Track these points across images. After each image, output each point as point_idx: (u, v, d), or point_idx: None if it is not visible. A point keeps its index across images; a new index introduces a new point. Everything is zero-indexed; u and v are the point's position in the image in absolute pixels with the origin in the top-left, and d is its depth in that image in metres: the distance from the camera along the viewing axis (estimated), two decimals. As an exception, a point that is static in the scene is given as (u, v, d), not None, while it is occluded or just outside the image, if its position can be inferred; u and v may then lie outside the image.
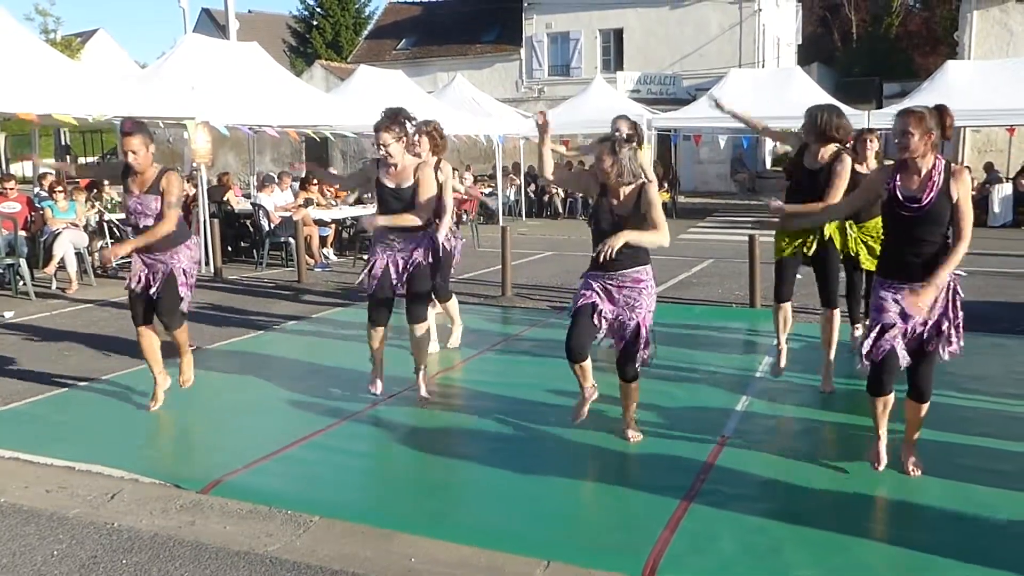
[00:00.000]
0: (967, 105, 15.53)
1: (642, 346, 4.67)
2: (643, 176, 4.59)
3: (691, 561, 3.52)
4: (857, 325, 7.05)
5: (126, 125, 5.42)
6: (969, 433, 4.81)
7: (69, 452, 4.80)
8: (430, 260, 5.50)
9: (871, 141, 6.67)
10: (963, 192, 3.97)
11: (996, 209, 17.05)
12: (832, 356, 5.76)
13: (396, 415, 5.47)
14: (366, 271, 5.55)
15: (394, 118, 5.33)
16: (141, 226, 5.36)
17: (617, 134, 4.87)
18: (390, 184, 5.39)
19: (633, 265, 4.58)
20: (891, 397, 4.25)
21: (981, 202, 16.36)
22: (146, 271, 5.44)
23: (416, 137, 6.47)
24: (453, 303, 7.18)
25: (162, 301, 5.44)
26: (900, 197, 4.02)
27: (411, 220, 5.35)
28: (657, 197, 4.57)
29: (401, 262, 5.45)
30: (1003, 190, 17.20)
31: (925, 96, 16.78)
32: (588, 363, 4.78)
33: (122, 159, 5.46)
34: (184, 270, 5.47)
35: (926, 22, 40.54)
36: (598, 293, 4.64)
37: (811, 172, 5.42)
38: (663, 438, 4.94)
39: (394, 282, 5.46)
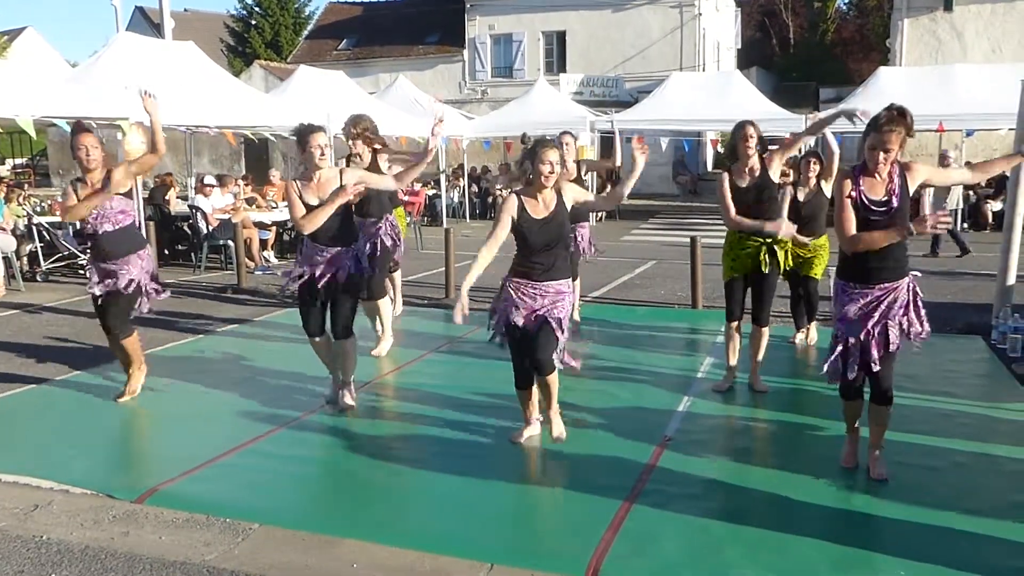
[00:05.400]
0: (899, 110, 15.94)
1: (559, 347, 4.64)
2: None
3: (633, 562, 3.54)
4: (802, 330, 7.18)
5: (80, 125, 5.46)
6: (902, 430, 4.91)
7: (-5, 463, 4.63)
8: (356, 271, 5.33)
9: (814, 164, 6.68)
10: (925, 172, 4.21)
11: (927, 211, 17.44)
12: (760, 358, 5.86)
13: (337, 420, 5.40)
14: (288, 277, 5.42)
15: (320, 127, 5.21)
16: (101, 232, 5.39)
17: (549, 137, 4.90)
18: (313, 201, 5.13)
19: (560, 277, 4.63)
20: (862, 401, 4.40)
21: (913, 204, 16.81)
22: (98, 279, 5.44)
23: (351, 142, 6.41)
24: (385, 304, 6.94)
25: (109, 309, 5.53)
26: (868, 203, 4.05)
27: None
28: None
29: (328, 276, 5.24)
30: (933, 193, 17.68)
31: (859, 101, 17.21)
32: (535, 391, 4.84)
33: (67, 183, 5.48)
34: (133, 279, 5.47)
35: (860, 29, 41.62)
36: (515, 306, 4.61)
37: (746, 189, 5.50)
38: (605, 439, 4.96)
39: (320, 295, 5.28)
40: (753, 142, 5.45)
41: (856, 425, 4.51)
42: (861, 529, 3.85)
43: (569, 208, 4.71)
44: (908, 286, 4.18)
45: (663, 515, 3.96)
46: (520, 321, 4.58)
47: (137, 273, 5.49)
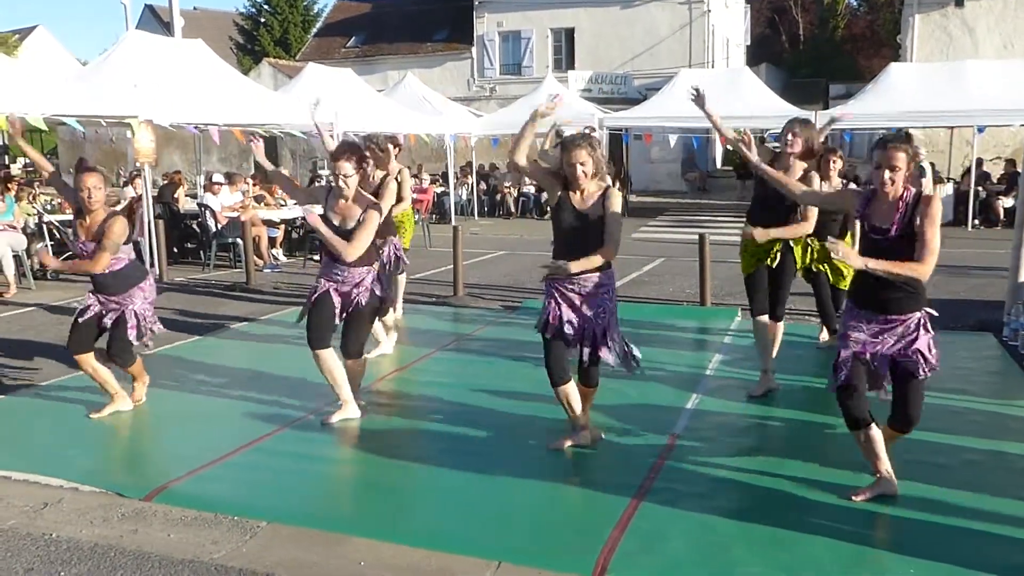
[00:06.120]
0: (910, 107, 15.90)
1: (612, 350, 4.62)
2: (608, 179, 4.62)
3: (641, 560, 3.53)
4: (824, 331, 7.08)
5: (85, 163, 5.39)
6: (912, 428, 4.90)
7: (5, 461, 4.65)
8: (374, 300, 5.24)
9: (835, 160, 6.62)
10: (928, 219, 3.79)
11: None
12: (773, 354, 5.80)
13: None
14: (308, 299, 5.30)
15: (356, 149, 5.12)
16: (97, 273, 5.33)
17: (588, 131, 4.82)
18: (335, 221, 5.10)
19: (595, 270, 4.51)
20: (873, 429, 4.02)
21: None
22: (99, 307, 5.39)
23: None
24: (388, 317, 6.90)
25: (113, 343, 5.42)
26: (871, 228, 3.96)
27: (345, 248, 5.00)
28: (618, 204, 4.55)
29: (343, 297, 5.16)
30: (944, 190, 17.60)
31: (870, 98, 17.16)
32: (573, 388, 4.65)
33: (73, 185, 5.35)
34: (136, 312, 5.41)
35: (870, 25, 41.44)
36: (559, 304, 4.57)
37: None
38: (614, 437, 4.94)
39: (336, 311, 5.17)
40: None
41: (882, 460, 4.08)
42: (870, 527, 3.83)
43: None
44: (919, 321, 3.96)
45: (671, 513, 3.95)
46: (573, 320, 4.53)
47: (140, 305, 5.42)
